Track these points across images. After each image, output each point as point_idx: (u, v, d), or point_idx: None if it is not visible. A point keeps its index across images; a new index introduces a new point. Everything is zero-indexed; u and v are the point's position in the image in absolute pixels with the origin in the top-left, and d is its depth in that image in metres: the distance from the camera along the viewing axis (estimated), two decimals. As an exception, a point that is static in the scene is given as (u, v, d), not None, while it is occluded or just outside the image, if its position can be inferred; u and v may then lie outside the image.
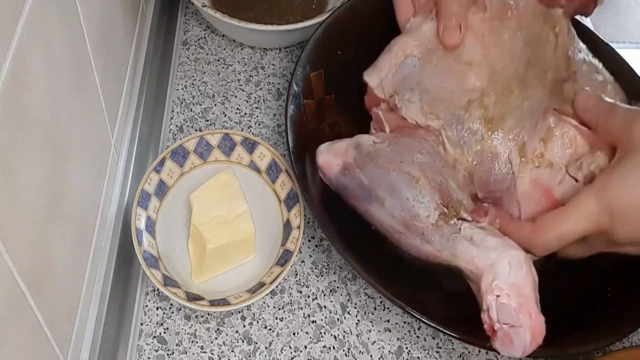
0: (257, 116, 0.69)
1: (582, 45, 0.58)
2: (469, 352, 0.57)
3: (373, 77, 0.58)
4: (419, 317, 0.49)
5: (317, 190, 0.55)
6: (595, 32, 0.64)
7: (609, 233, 0.46)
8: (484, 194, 0.53)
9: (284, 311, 0.58)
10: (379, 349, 0.56)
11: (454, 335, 0.49)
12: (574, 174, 0.50)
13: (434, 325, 0.49)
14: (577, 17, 0.60)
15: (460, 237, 0.49)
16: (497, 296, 0.46)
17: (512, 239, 0.50)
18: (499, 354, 0.57)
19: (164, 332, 0.55)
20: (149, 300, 0.57)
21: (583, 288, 0.56)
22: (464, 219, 0.50)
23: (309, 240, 0.62)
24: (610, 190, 0.46)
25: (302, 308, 0.58)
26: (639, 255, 0.48)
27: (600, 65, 0.58)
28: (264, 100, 0.71)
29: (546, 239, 0.48)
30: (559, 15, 0.57)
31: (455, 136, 0.53)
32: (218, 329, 0.56)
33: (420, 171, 0.51)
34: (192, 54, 0.74)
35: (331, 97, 0.61)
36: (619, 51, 0.65)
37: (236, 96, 0.71)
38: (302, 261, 0.60)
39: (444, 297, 0.56)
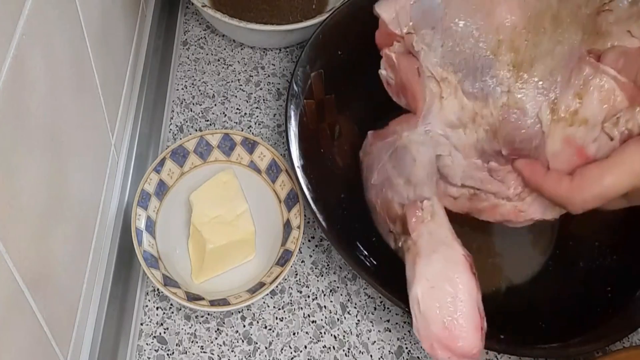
0: (257, 116, 0.69)
1: None
2: (469, 352, 0.57)
3: (387, 8, 0.51)
4: None
5: (317, 191, 0.55)
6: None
7: None
8: (509, 151, 0.48)
9: (284, 311, 0.58)
10: (379, 349, 0.56)
11: None
12: (609, 132, 0.45)
13: None
14: None
15: (405, 258, 0.48)
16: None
17: (547, 195, 0.46)
18: (498, 353, 0.57)
19: (164, 332, 0.55)
20: (149, 300, 0.57)
21: (583, 288, 0.56)
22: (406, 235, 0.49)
23: (309, 240, 0.62)
24: None
25: (302, 308, 0.58)
26: None
27: None
28: (264, 100, 0.71)
29: (587, 195, 0.44)
30: None
31: (478, 87, 0.48)
32: (218, 329, 0.56)
33: (376, 197, 0.52)
34: (192, 54, 0.74)
35: (331, 97, 0.61)
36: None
37: (236, 96, 0.71)
38: (302, 261, 0.60)
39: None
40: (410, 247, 0.48)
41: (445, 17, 0.49)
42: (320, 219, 0.52)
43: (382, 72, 0.54)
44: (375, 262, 0.55)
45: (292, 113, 0.57)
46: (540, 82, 0.47)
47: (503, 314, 0.54)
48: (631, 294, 0.54)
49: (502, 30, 0.48)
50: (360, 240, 0.57)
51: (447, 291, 0.45)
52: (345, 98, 0.62)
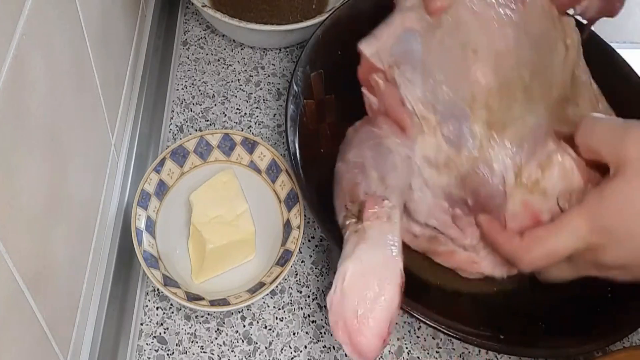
0: (257, 116, 0.69)
1: (585, 66, 0.56)
2: (469, 352, 0.57)
3: (369, 45, 0.54)
4: (420, 318, 0.49)
5: (317, 191, 0.55)
6: (596, 32, 0.64)
7: (598, 253, 0.45)
8: (474, 203, 0.52)
9: (284, 311, 0.58)
10: (379, 349, 0.56)
11: (454, 335, 0.49)
12: (562, 205, 0.50)
13: (434, 325, 0.49)
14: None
15: (347, 236, 0.49)
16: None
17: (499, 251, 0.50)
18: (498, 353, 0.57)
19: (164, 332, 0.55)
20: (149, 300, 0.57)
21: (583, 288, 0.56)
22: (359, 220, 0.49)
23: (309, 240, 0.62)
24: (602, 208, 0.44)
25: (302, 308, 0.58)
26: (624, 282, 0.47)
27: (599, 92, 0.57)
28: (264, 100, 0.71)
29: (534, 254, 0.47)
30: (572, 27, 0.54)
31: (455, 134, 0.51)
32: (218, 329, 0.56)
33: (346, 172, 0.52)
34: (192, 54, 0.74)
35: (331, 97, 0.61)
36: (619, 51, 0.65)
37: (236, 96, 0.71)
38: (302, 261, 0.60)
39: (444, 297, 0.56)
40: (358, 231, 0.48)
41: (426, 62, 0.52)
42: (320, 219, 0.52)
43: (366, 93, 0.55)
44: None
45: (292, 113, 0.57)
46: (510, 146, 0.51)
47: (503, 314, 0.54)
48: (631, 295, 0.53)
49: (477, 88, 0.51)
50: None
51: (373, 287, 0.44)
52: (345, 98, 0.62)
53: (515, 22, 0.52)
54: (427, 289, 0.56)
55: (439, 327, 0.49)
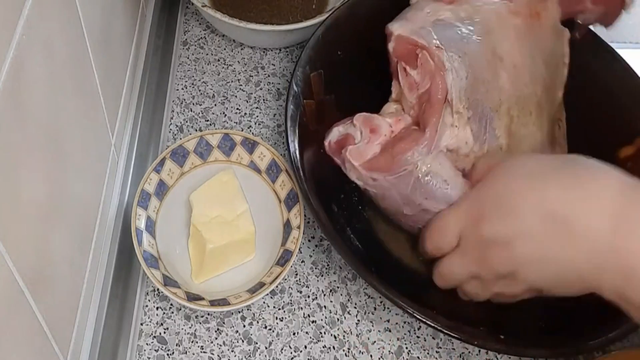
0: (257, 116, 0.69)
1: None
2: (469, 352, 0.57)
3: (402, 26, 0.52)
4: (420, 318, 0.49)
5: (317, 190, 0.55)
6: (596, 32, 0.64)
7: (480, 224, 0.47)
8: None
9: (284, 311, 0.58)
10: (379, 349, 0.56)
11: (454, 335, 0.49)
12: None
13: (434, 325, 0.49)
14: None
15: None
16: None
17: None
18: (498, 353, 0.57)
19: (164, 332, 0.55)
20: (149, 300, 0.57)
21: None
22: None
23: (309, 240, 0.62)
24: (476, 192, 0.49)
25: (302, 308, 0.58)
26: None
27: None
28: (264, 100, 0.71)
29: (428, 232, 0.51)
30: (567, 42, 0.55)
31: (482, 132, 0.52)
32: (218, 329, 0.56)
33: (414, 223, 0.54)
34: (192, 54, 0.74)
35: (331, 97, 0.61)
36: (619, 51, 0.65)
37: (236, 96, 0.71)
38: (302, 261, 0.60)
39: (444, 297, 0.56)
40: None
41: (468, 54, 0.51)
42: (320, 219, 0.52)
43: (407, 69, 0.53)
44: (374, 261, 0.55)
45: (292, 113, 0.57)
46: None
47: (503, 314, 0.54)
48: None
49: (503, 95, 0.52)
50: (360, 239, 0.57)
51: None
52: (345, 99, 0.62)
53: (531, 37, 0.53)
54: (427, 289, 0.56)
55: (439, 328, 0.49)
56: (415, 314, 0.49)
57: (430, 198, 0.51)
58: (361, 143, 0.53)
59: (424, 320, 0.49)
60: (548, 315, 0.53)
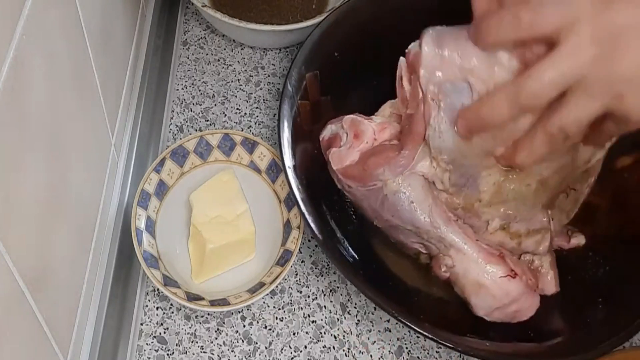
0: (257, 116, 0.69)
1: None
2: (469, 352, 0.57)
3: (433, 60, 0.46)
4: (410, 326, 0.49)
5: (308, 192, 0.54)
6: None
7: (610, 63, 0.39)
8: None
9: (284, 311, 0.58)
10: (379, 349, 0.56)
11: (448, 345, 0.49)
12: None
13: (425, 334, 0.48)
14: None
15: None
16: None
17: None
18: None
19: (164, 332, 0.55)
20: (149, 300, 0.57)
21: (574, 298, 0.56)
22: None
23: (309, 240, 0.62)
24: (601, 16, 0.39)
25: (302, 308, 0.58)
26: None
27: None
28: (264, 100, 0.71)
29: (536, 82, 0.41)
30: (598, 160, 0.53)
31: (461, 183, 0.50)
32: (218, 329, 0.56)
33: (388, 231, 0.55)
34: (192, 54, 0.74)
35: (327, 99, 0.61)
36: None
37: (236, 96, 0.71)
38: (302, 261, 0.60)
39: (432, 304, 0.56)
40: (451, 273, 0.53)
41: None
42: (310, 221, 0.52)
43: (405, 84, 0.51)
44: (364, 265, 0.55)
45: (286, 114, 0.56)
46: (506, 211, 0.52)
47: (490, 323, 0.54)
48: (621, 304, 0.54)
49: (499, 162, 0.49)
50: (350, 242, 0.56)
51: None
52: (341, 100, 0.61)
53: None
54: (417, 295, 0.56)
55: (425, 333, 0.48)
56: (404, 321, 0.48)
57: (396, 217, 0.52)
58: (343, 147, 0.53)
59: (412, 326, 0.48)
60: (536, 323, 0.53)
